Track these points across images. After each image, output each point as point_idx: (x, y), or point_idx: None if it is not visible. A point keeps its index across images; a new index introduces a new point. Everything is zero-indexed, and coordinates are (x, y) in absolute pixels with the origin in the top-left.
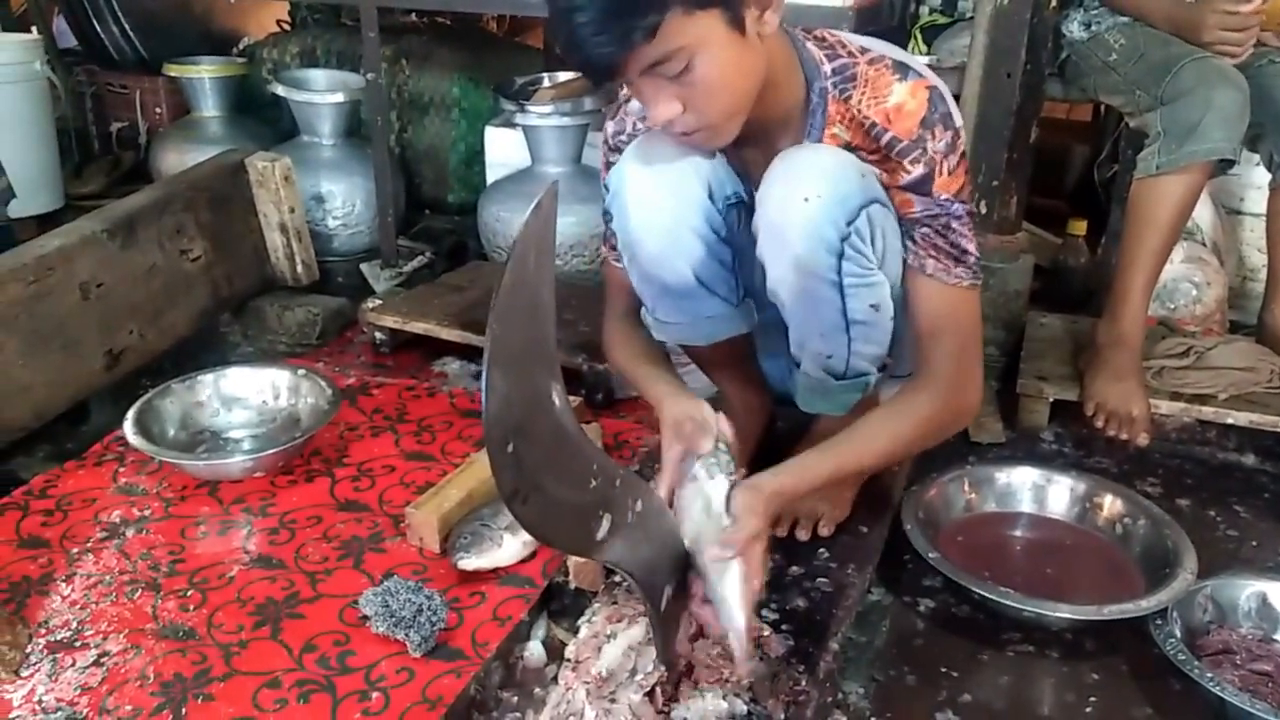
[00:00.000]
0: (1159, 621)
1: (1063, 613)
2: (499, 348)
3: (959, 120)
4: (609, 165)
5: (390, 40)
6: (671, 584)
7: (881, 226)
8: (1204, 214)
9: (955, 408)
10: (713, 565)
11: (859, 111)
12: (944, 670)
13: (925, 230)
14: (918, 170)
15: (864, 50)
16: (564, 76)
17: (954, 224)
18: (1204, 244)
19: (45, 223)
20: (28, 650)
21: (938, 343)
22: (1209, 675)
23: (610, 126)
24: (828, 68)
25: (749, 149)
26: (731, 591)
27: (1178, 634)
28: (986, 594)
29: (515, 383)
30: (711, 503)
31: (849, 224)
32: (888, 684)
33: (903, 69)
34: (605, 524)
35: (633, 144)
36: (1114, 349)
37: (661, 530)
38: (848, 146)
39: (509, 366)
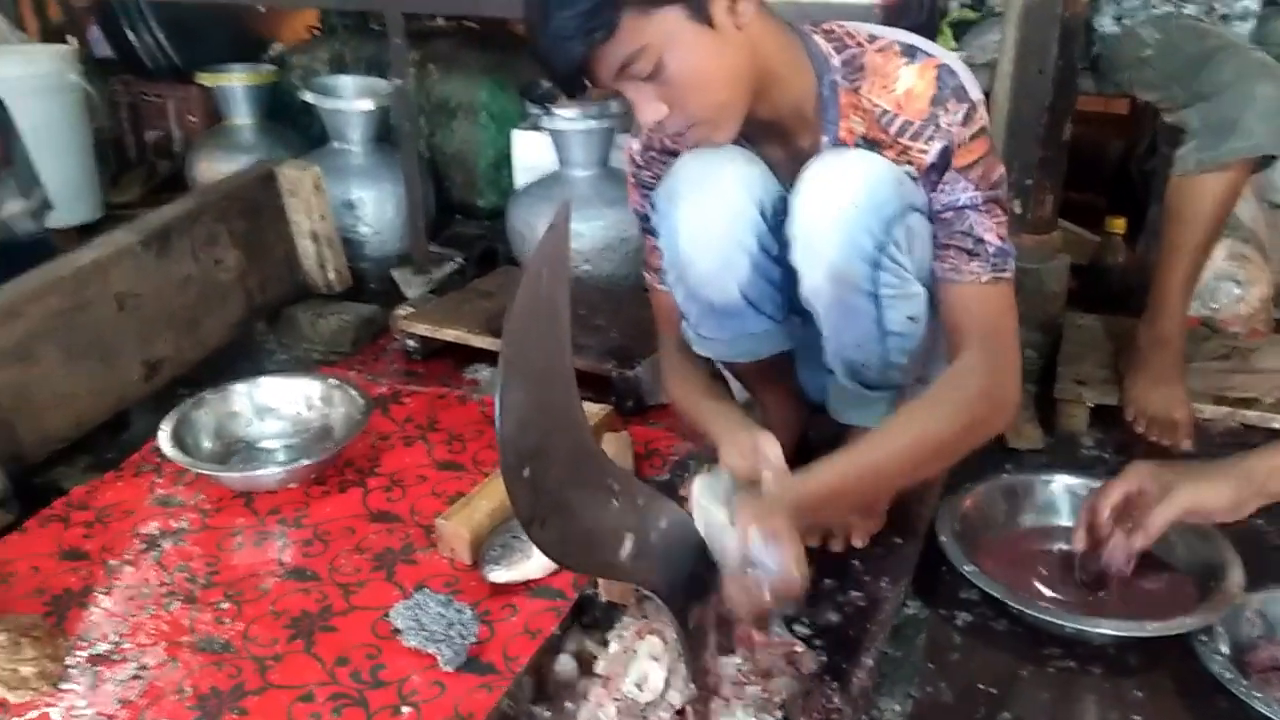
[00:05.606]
0: (1204, 638)
1: (1104, 629)
2: (513, 371)
3: (975, 94)
4: (637, 183)
5: (417, 45)
6: (700, 602)
7: (921, 235)
8: (1246, 209)
9: (989, 398)
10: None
11: (869, 100)
12: (982, 687)
13: (937, 227)
14: (936, 146)
15: (872, 38)
16: None
17: (970, 214)
18: (1247, 241)
19: (86, 233)
20: (68, 663)
21: (963, 337)
22: (1257, 695)
23: (635, 144)
24: (836, 60)
25: (769, 147)
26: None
27: (1224, 650)
28: (1025, 608)
29: (531, 406)
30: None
31: (886, 233)
32: (924, 701)
33: (910, 51)
34: (629, 544)
35: (679, 161)
36: (1154, 351)
37: (687, 548)
38: (865, 139)
39: (524, 389)
